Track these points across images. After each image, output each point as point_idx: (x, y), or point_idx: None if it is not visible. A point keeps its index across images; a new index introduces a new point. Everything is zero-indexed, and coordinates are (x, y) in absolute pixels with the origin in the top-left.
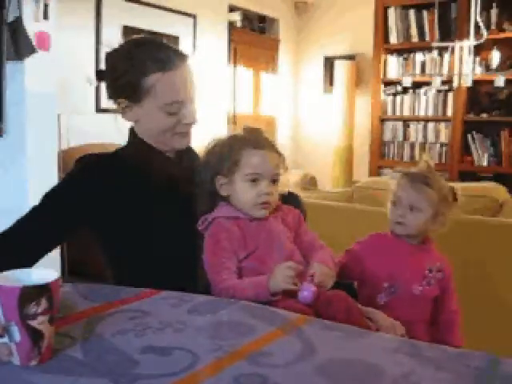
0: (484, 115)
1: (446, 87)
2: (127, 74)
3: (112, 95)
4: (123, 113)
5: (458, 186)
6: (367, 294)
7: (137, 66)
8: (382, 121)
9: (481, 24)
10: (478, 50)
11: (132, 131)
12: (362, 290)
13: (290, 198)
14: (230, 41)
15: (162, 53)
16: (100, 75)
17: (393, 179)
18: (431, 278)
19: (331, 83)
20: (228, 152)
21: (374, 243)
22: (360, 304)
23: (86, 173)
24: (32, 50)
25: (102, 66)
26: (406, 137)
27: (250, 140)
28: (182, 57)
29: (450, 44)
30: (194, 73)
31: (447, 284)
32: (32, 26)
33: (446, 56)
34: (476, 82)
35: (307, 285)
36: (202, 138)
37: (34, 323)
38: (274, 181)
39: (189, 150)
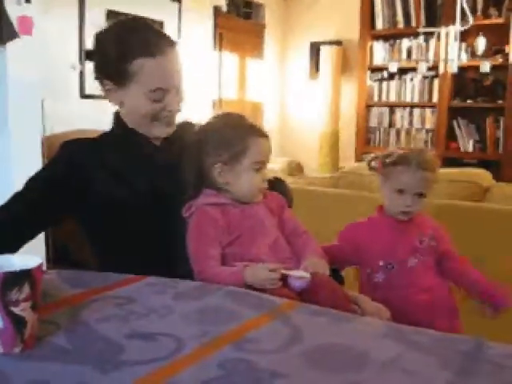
0: (469, 101)
1: (432, 73)
2: (115, 57)
3: (98, 76)
4: (107, 95)
5: (444, 171)
6: (366, 273)
7: (125, 50)
8: (368, 107)
9: (467, 10)
10: (464, 36)
11: (116, 115)
12: (362, 270)
13: (276, 184)
14: (216, 26)
15: (150, 37)
16: (88, 55)
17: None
18: (424, 248)
19: (317, 69)
20: (231, 140)
21: (365, 225)
22: (359, 284)
23: (69, 157)
24: (14, 35)
25: (87, 51)
26: (391, 123)
27: (252, 127)
28: (171, 43)
29: (436, 30)
30: (181, 61)
31: (444, 247)
32: (14, 10)
33: (432, 42)
34: (462, 68)
35: (301, 273)
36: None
37: (16, 310)
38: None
39: (178, 136)
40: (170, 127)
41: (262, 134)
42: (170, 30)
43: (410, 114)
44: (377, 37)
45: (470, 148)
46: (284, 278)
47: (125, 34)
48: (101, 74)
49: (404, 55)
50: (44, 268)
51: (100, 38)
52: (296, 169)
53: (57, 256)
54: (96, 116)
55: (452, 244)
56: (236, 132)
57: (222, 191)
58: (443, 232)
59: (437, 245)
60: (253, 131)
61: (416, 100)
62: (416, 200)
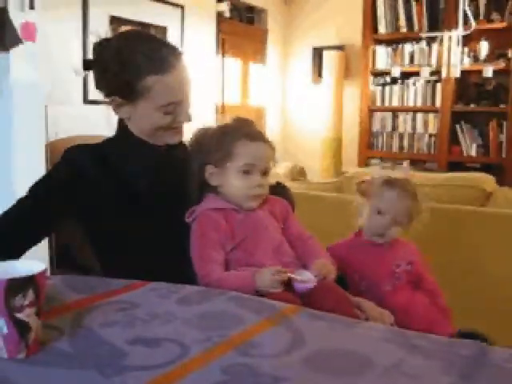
0: (472, 106)
1: (435, 78)
2: (120, 73)
3: (104, 91)
4: (115, 109)
5: (447, 176)
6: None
7: (131, 67)
8: (371, 111)
9: (469, 14)
10: (467, 40)
11: (121, 122)
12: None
13: (278, 189)
14: (218, 31)
15: (156, 52)
16: (87, 65)
17: (376, 184)
18: (400, 272)
19: (320, 74)
20: (220, 142)
21: (349, 244)
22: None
23: (73, 162)
24: (18, 41)
25: (87, 61)
26: (394, 127)
27: (244, 131)
28: (178, 55)
29: (439, 34)
30: (189, 69)
31: (418, 270)
32: (18, 17)
33: (435, 46)
34: (464, 73)
35: (307, 275)
36: (190, 129)
37: (20, 315)
38: (265, 173)
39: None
40: (180, 135)
41: (255, 138)
42: (173, 35)
43: (413, 118)
44: (379, 41)
45: (473, 152)
46: (288, 282)
47: (129, 50)
48: (106, 90)
49: (407, 60)
50: (47, 270)
51: (101, 50)
52: (299, 173)
53: (59, 257)
54: (100, 121)
55: (426, 268)
56: (226, 135)
57: (221, 195)
58: (419, 256)
59: (411, 269)
60: (244, 135)
61: (419, 104)
62: (392, 225)
